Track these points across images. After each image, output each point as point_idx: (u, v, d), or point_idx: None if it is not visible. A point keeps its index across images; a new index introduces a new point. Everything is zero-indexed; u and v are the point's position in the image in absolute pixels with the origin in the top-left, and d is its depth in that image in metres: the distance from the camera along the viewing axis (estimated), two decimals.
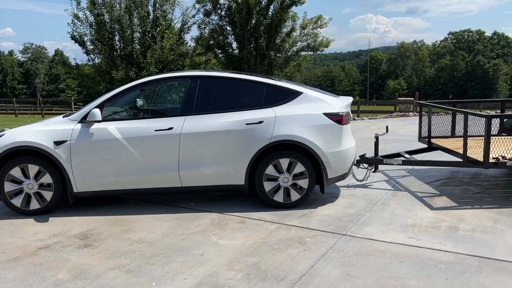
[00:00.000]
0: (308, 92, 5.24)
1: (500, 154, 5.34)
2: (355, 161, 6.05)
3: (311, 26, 16.11)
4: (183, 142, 4.88)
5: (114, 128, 4.88)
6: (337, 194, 5.68)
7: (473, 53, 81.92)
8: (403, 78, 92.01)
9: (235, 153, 4.95)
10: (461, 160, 5.51)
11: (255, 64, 15.62)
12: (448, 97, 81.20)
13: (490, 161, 5.10)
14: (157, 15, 14.48)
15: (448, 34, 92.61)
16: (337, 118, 5.11)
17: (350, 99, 5.70)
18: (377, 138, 6.05)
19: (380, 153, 6.69)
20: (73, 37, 14.45)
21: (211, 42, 15.41)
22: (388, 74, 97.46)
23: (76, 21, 14.25)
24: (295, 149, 5.02)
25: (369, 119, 15.01)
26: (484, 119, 5.02)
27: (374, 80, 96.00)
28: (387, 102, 24.00)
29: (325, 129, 5.04)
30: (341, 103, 5.33)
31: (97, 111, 4.84)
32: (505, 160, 5.11)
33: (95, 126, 4.90)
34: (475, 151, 5.39)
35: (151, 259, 3.76)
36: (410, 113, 16.82)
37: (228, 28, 15.60)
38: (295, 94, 5.19)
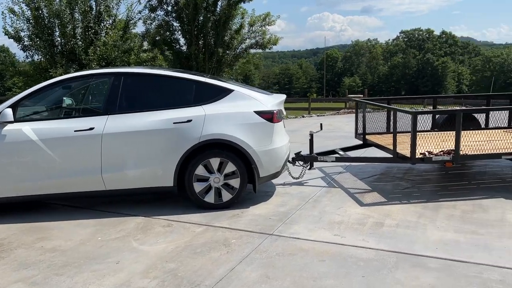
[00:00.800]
0: (239, 89, 5.13)
1: (427, 150, 5.46)
2: (291, 159, 6.03)
3: (259, 24, 16.08)
4: (106, 143, 4.65)
5: (29, 129, 4.57)
6: (272, 192, 5.63)
7: (423, 51, 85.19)
8: (358, 75, 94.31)
9: (162, 154, 4.77)
10: (392, 156, 5.59)
11: (203, 61, 15.39)
12: (401, 93, 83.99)
13: (417, 156, 5.20)
14: (101, 10, 13.93)
15: (400, 33, 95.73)
16: (268, 116, 5.03)
17: (283, 97, 5.66)
18: (311, 135, 6.04)
19: (323, 149, 6.72)
20: (6, 33, 13.62)
21: (157, 38, 15.02)
22: (344, 71, 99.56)
23: (11, 15, 13.48)
24: (225, 148, 4.90)
25: (317, 116, 15.18)
26: (411, 115, 5.11)
27: (331, 78, 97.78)
28: (337, 99, 24.50)
29: (256, 128, 4.96)
30: (273, 101, 5.26)
31: (9, 111, 4.51)
32: (432, 156, 5.22)
33: (8, 127, 4.57)
34: (405, 147, 5.49)
35: (62, 269, 3.53)
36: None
37: (175, 24, 15.29)
38: (225, 92, 5.07)
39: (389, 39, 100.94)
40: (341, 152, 6.15)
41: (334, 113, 15.25)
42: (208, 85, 5.07)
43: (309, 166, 6.06)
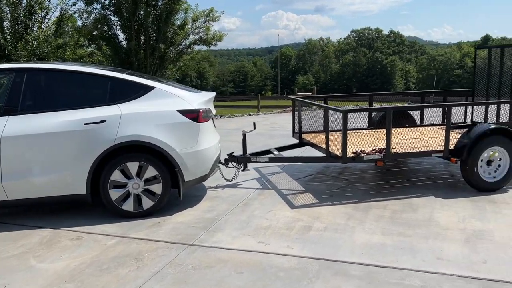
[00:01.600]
0: (161, 87, 4.75)
1: (360, 149, 5.33)
2: (223, 160, 5.73)
3: (202, 19, 15.63)
4: (5, 147, 4.14)
5: None
6: (202, 196, 5.30)
7: (373, 50, 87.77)
8: (311, 73, 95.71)
9: (72, 158, 4.32)
10: (324, 155, 5.42)
11: (145, 58, 14.76)
12: (352, 91, 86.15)
13: (348, 156, 5.05)
14: (32, 2, 12.97)
15: (350, 32, 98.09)
16: (193, 116, 4.70)
17: (211, 94, 5.34)
18: (244, 135, 5.77)
19: (265, 148, 6.48)
20: None
21: (94, 33, 14.22)
22: (298, 69, 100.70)
23: None
24: (145, 151, 4.52)
25: (264, 114, 14.98)
26: (341, 114, 4.94)
27: (285, 76, 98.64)
28: (285, 97, 24.44)
29: (180, 128, 4.61)
30: (200, 99, 4.93)
31: None
32: (363, 155, 5.09)
33: None
34: (338, 146, 5.33)
35: None
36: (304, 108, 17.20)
37: (114, 18, 14.54)
38: (145, 89, 4.68)
39: (340, 38, 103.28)
40: (275, 152, 5.92)
41: (281, 111, 15.11)
42: (125, 82, 4.66)
43: (242, 168, 5.79)
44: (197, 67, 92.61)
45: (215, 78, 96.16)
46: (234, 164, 5.74)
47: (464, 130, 5.35)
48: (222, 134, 10.51)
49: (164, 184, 4.57)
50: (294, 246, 3.78)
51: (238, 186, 5.73)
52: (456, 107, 6.48)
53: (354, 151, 5.22)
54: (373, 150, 5.28)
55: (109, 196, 4.46)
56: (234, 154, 5.74)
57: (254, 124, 5.99)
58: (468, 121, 7.22)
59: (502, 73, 6.54)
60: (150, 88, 4.69)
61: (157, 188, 4.57)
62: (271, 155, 5.87)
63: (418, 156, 5.25)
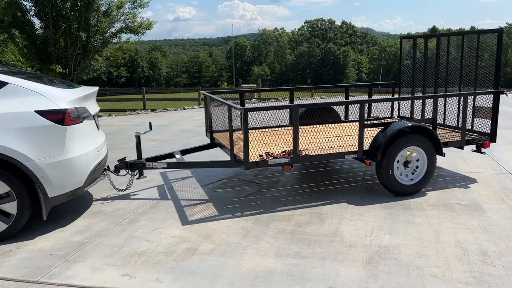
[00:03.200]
0: (16, 82, 3.89)
1: (267, 151, 4.71)
2: (113, 167, 4.94)
3: (128, 5, 14.51)
4: None
5: None
6: (82, 211, 4.50)
7: (326, 40, 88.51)
8: (266, 64, 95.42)
9: None
10: (229, 159, 4.77)
11: (65, 47, 13.50)
12: (307, 82, 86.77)
13: (254, 160, 4.41)
14: None
15: (304, 22, 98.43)
16: (57, 117, 3.88)
17: (91, 90, 4.55)
18: (138, 137, 5.00)
19: (186, 147, 5.77)
20: None
21: (5, 19, 12.75)
22: (253, 60, 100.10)
23: None
24: None
25: (200, 107, 14.17)
26: (240, 112, 4.28)
27: (240, 66, 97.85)
28: (228, 90, 23.67)
29: (39, 133, 3.79)
30: (71, 96, 4.11)
31: None
32: (268, 158, 4.47)
33: None
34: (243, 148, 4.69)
35: None
36: (247, 100, 16.53)
37: (27, 3, 13.13)
38: None
39: (295, 29, 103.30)
40: (178, 156, 5.20)
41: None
42: None
43: (137, 175, 5.02)
44: (149, 57, 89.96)
45: (168, 69, 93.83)
46: (128, 171, 4.97)
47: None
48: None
49: (20, 202, 3.75)
50: (164, 279, 3.10)
51: (132, 197, 4.98)
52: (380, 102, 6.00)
53: (261, 154, 4.60)
54: (283, 152, 4.68)
55: None
56: (126, 159, 4.96)
57: (150, 124, 5.23)
58: (395, 117, 6.81)
59: (426, 65, 6.13)
60: (2, 84, 3.83)
61: (11, 207, 3.75)
62: (173, 160, 5.14)
63: (330, 158, 4.70)
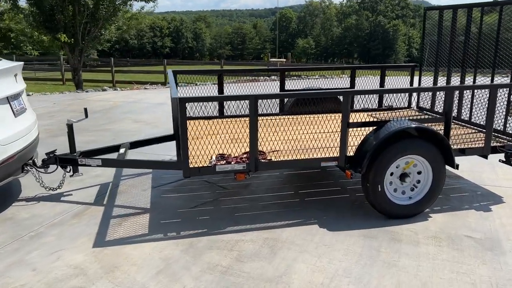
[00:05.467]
0: None
1: (221, 153, 3.66)
2: (42, 162, 4.08)
3: None
4: None
5: None
6: None
7: (376, 13, 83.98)
8: (312, 37, 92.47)
9: None
10: (176, 160, 3.77)
11: (73, 15, 12.76)
12: (353, 56, 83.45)
13: (193, 165, 3.38)
14: None
15: None
16: None
17: (6, 64, 3.66)
18: (70, 126, 4.08)
19: (157, 133, 4.86)
20: None
21: None
22: (298, 32, 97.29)
23: None
24: None
25: (213, 84, 13.09)
26: (177, 101, 3.24)
27: (284, 39, 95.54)
28: (257, 63, 22.13)
29: None
30: None
31: None
32: (217, 163, 3.41)
33: None
34: (202, 145, 3.67)
35: None
36: (273, 77, 15.29)
37: None
38: None
39: (343, 0, 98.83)
40: (122, 150, 4.24)
41: (234, 81, 13.27)
42: None
43: (71, 172, 4.14)
44: (193, 27, 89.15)
45: (211, 40, 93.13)
46: (58, 167, 4.09)
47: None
48: (142, 110, 8.89)
49: None
50: None
51: (62, 198, 4.12)
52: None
53: (217, 155, 3.56)
54: (244, 154, 3.62)
55: None
56: (56, 153, 4.07)
57: (86, 110, 4.29)
58: (414, 107, 5.51)
59: (454, 42, 4.76)
60: None
61: None
62: (112, 155, 4.20)
63: (301, 166, 3.59)
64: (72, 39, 12.88)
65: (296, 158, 3.53)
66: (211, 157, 3.57)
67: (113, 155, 4.21)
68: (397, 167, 3.50)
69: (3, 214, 3.74)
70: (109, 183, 4.52)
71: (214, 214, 3.73)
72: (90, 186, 4.42)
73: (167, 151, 5.42)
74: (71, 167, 4.10)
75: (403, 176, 3.52)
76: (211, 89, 8.04)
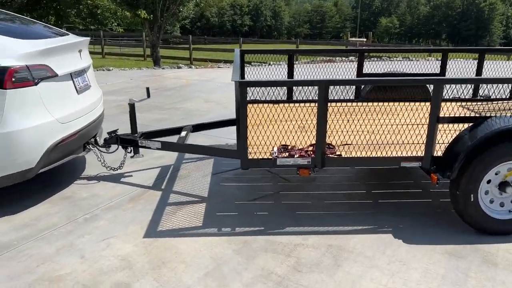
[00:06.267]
0: None
1: (286, 144, 3.29)
2: (104, 142, 4.00)
3: None
4: None
5: None
6: (55, 191, 3.67)
7: None
8: (396, 16, 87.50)
9: None
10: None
11: None
12: (441, 37, 77.81)
13: (252, 156, 3.05)
14: None
15: None
16: None
17: (66, 41, 3.58)
18: (132, 106, 3.92)
19: (228, 115, 4.66)
20: None
21: None
22: (381, 11, 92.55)
23: None
24: None
25: (306, 63, 12.57)
26: (238, 85, 2.90)
27: (366, 17, 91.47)
28: (336, 42, 20.94)
29: None
30: (27, 49, 3.16)
31: None
32: (279, 156, 3.05)
33: None
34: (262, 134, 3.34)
35: None
36: (351, 57, 14.43)
37: None
38: None
39: None
40: (183, 134, 4.02)
41: (308, 61, 12.68)
42: None
43: (131, 152, 4.01)
44: (273, 5, 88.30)
45: (290, 19, 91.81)
46: (119, 147, 3.99)
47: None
48: (214, 90, 8.71)
49: None
50: None
51: (122, 179, 4.02)
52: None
53: (281, 146, 3.20)
54: (310, 146, 3.22)
55: None
56: (117, 133, 3.96)
57: (148, 89, 4.09)
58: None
59: None
60: None
61: None
62: (177, 137, 3.99)
63: (376, 165, 3.10)
64: (151, 16, 13.10)
65: (370, 156, 3.05)
66: (273, 148, 3.21)
67: (174, 138, 4.01)
68: (496, 174, 2.89)
69: (63, 192, 3.71)
70: (170, 166, 4.36)
71: (273, 210, 3.39)
72: (151, 168, 4.29)
73: (233, 135, 5.16)
74: (131, 148, 3.98)
75: (503, 185, 2.90)
76: (282, 70, 7.67)
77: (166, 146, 3.76)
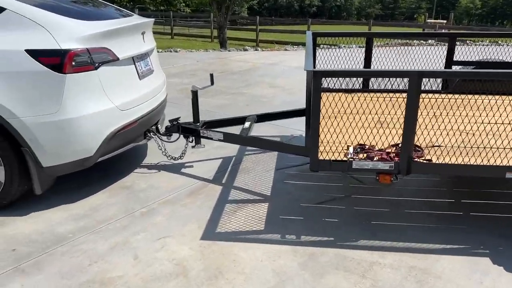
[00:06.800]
0: (14, 7, 2.91)
1: (362, 143, 2.87)
2: (165, 130, 3.82)
3: None
4: None
5: None
6: (115, 180, 3.55)
7: None
8: None
9: None
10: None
11: None
12: None
13: (323, 156, 2.67)
14: None
15: None
16: (54, 60, 2.84)
17: (128, 22, 3.38)
18: (195, 93, 3.66)
19: (294, 100, 4.37)
20: None
21: None
22: None
23: None
24: None
25: (359, 47, 11.81)
26: (311, 75, 2.51)
27: None
28: (411, 24, 19.33)
29: (28, 81, 2.82)
30: (88, 31, 2.99)
31: None
32: (354, 158, 2.64)
33: None
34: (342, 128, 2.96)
35: None
36: (430, 41, 13.31)
37: None
38: None
39: None
40: (246, 124, 3.71)
41: (383, 43, 11.80)
42: None
43: (193, 142, 3.79)
44: None
45: None
46: (180, 135, 3.77)
47: None
48: (280, 74, 8.31)
49: (8, 168, 2.93)
50: None
51: (182, 169, 3.81)
52: None
53: (356, 146, 2.80)
54: (394, 146, 2.79)
55: None
56: (179, 121, 3.74)
57: (212, 76, 3.79)
58: None
59: None
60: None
61: None
62: (241, 127, 3.69)
63: (474, 174, 2.58)
64: None
65: (468, 163, 2.54)
66: (348, 148, 2.80)
67: (237, 128, 3.73)
68: None
69: (123, 181, 3.58)
70: (232, 157, 4.09)
71: (344, 217, 3.00)
72: (212, 159, 4.05)
73: (298, 125, 4.80)
74: (193, 137, 3.75)
75: None
76: (355, 54, 7.09)
77: (228, 138, 3.48)
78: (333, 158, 2.67)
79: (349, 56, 6.34)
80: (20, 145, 2.88)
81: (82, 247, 2.65)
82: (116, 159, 3.94)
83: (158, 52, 12.06)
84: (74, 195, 3.30)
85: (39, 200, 3.19)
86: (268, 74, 8.48)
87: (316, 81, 2.48)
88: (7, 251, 2.62)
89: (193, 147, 3.81)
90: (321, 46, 11.50)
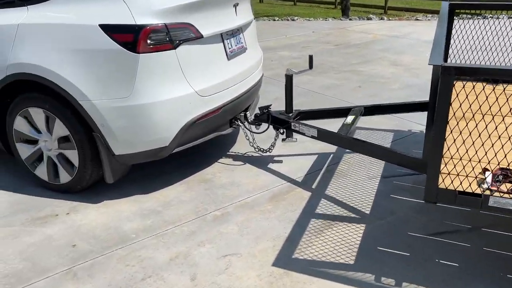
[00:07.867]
0: None
1: (504, 167, 2.04)
2: (252, 117, 3.34)
3: None
4: None
5: None
6: (196, 170, 3.22)
7: None
8: None
9: None
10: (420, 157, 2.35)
11: None
12: None
13: (443, 185, 1.93)
14: None
15: None
16: (128, 38, 2.50)
17: None
18: (289, 78, 3.06)
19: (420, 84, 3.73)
20: None
21: None
22: None
23: None
24: (50, 94, 2.72)
25: (510, 17, 9.66)
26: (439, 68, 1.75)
27: None
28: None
29: (100, 59, 2.55)
30: (167, 3, 2.59)
31: None
32: (493, 189, 1.84)
33: None
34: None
35: None
36: None
37: None
38: None
39: None
40: (350, 118, 3.02)
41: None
42: None
43: (283, 134, 3.25)
44: None
45: None
46: (269, 126, 3.26)
47: None
48: (405, 49, 7.12)
49: (81, 152, 2.74)
50: None
51: (269, 165, 3.31)
52: None
53: (495, 170, 2.00)
54: None
55: (18, 152, 3.00)
56: (270, 109, 3.21)
57: (311, 58, 3.10)
58: None
59: None
60: None
61: (72, 156, 2.80)
62: (342, 122, 3.04)
63: None
64: None
65: None
66: (484, 172, 2.00)
67: (338, 123, 3.08)
68: None
69: (204, 172, 3.22)
70: (329, 154, 3.46)
71: (468, 260, 2.22)
72: (305, 154, 3.47)
73: (420, 118, 3.94)
74: (284, 129, 3.21)
75: None
76: (503, 28, 5.67)
77: (323, 136, 2.87)
78: (460, 188, 1.91)
79: (501, 31, 5.09)
80: (92, 130, 2.66)
81: (141, 253, 2.35)
82: (201, 143, 3.60)
83: (274, 20, 11.57)
84: (148, 185, 3.04)
85: (113, 188, 2.99)
86: (391, 49, 7.42)
87: (445, 81, 1.72)
88: (68, 246, 2.43)
89: (283, 140, 3.28)
90: (460, 16, 9.82)
